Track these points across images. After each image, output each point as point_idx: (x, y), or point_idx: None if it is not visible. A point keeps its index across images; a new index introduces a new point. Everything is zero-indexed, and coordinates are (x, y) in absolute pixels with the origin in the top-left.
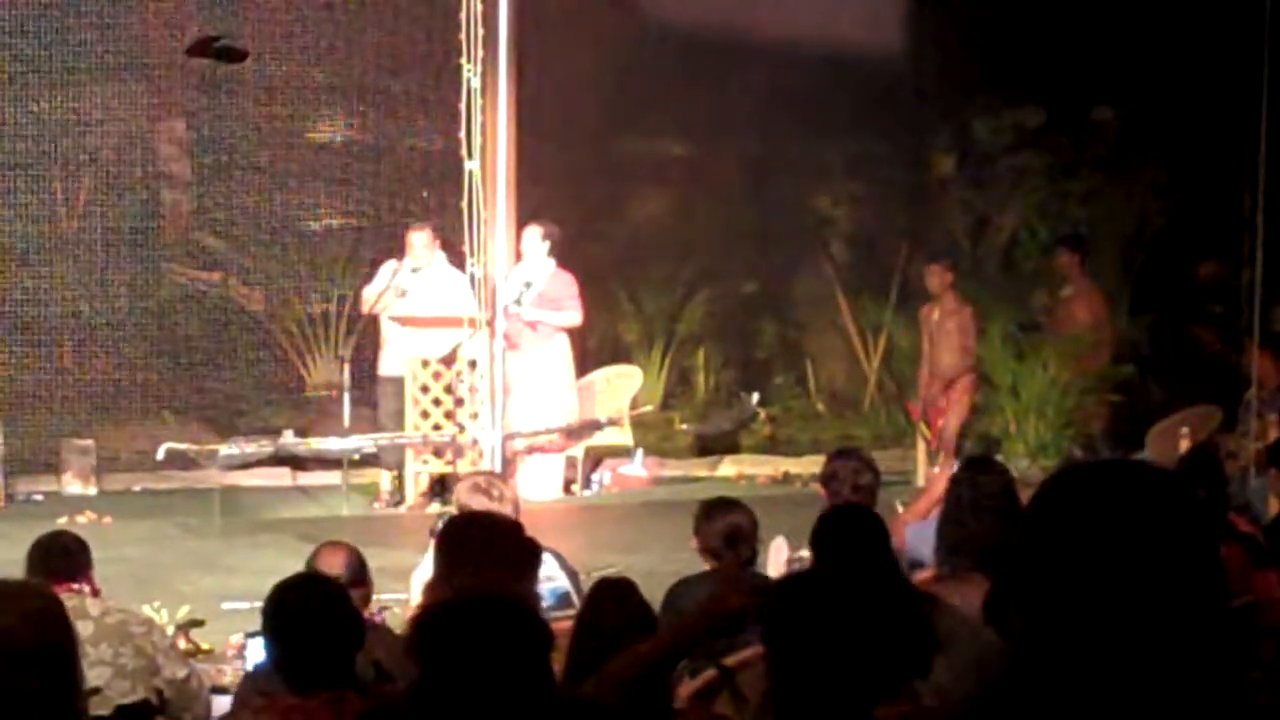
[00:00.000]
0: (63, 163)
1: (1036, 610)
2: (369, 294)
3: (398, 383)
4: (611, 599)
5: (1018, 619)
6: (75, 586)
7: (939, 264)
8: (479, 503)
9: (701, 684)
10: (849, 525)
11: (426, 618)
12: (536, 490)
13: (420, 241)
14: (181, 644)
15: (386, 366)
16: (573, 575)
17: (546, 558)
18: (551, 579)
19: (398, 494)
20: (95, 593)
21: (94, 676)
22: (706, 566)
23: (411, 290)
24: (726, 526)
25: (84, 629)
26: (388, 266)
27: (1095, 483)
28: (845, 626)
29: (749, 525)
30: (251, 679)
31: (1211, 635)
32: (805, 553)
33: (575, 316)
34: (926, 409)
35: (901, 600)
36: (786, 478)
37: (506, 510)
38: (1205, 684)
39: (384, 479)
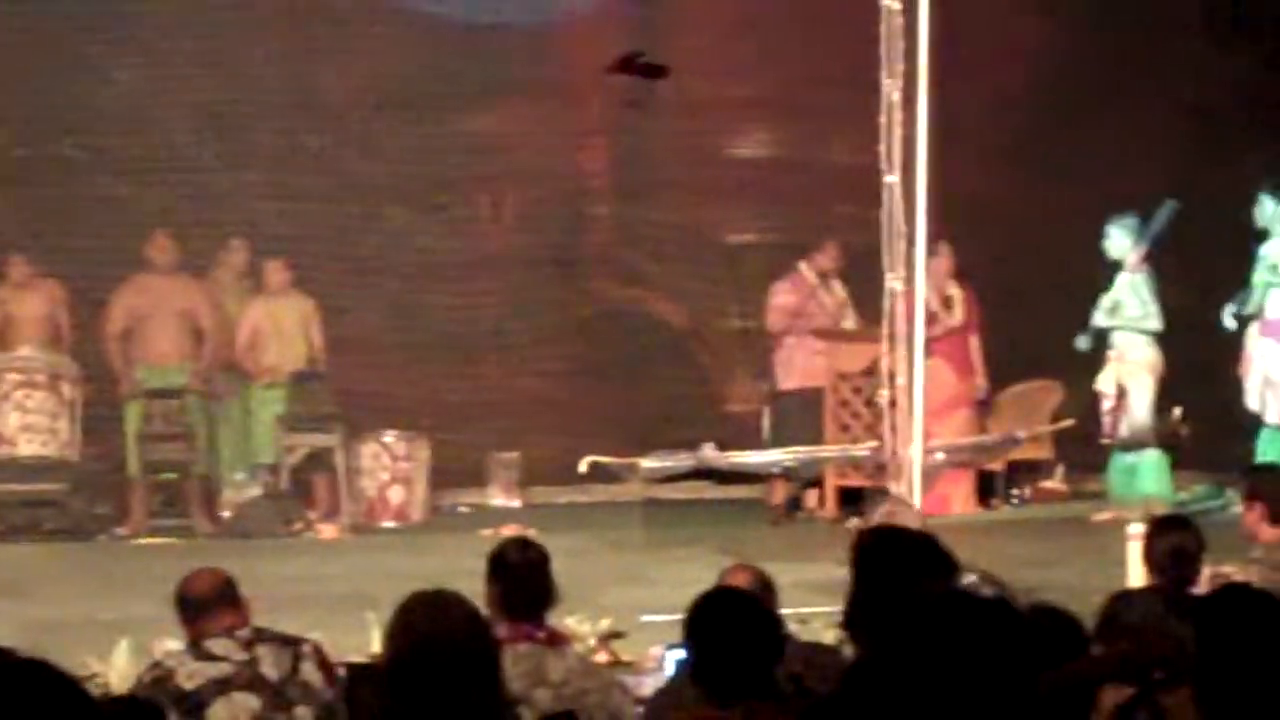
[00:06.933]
0: (488, 180)
1: None
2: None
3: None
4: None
5: None
6: (540, 635)
7: None
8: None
9: (1125, 697)
10: None
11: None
12: (955, 505)
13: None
14: (602, 656)
15: (792, 380)
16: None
17: None
18: None
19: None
20: (551, 641)
21: None
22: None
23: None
24: (1171, 546)
25: (541, 696)
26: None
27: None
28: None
29: (1194, 546)
30: (667, 691)
31: None
32: (1227, 568)
33: None
34: None
35: None
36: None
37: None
38: None
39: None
